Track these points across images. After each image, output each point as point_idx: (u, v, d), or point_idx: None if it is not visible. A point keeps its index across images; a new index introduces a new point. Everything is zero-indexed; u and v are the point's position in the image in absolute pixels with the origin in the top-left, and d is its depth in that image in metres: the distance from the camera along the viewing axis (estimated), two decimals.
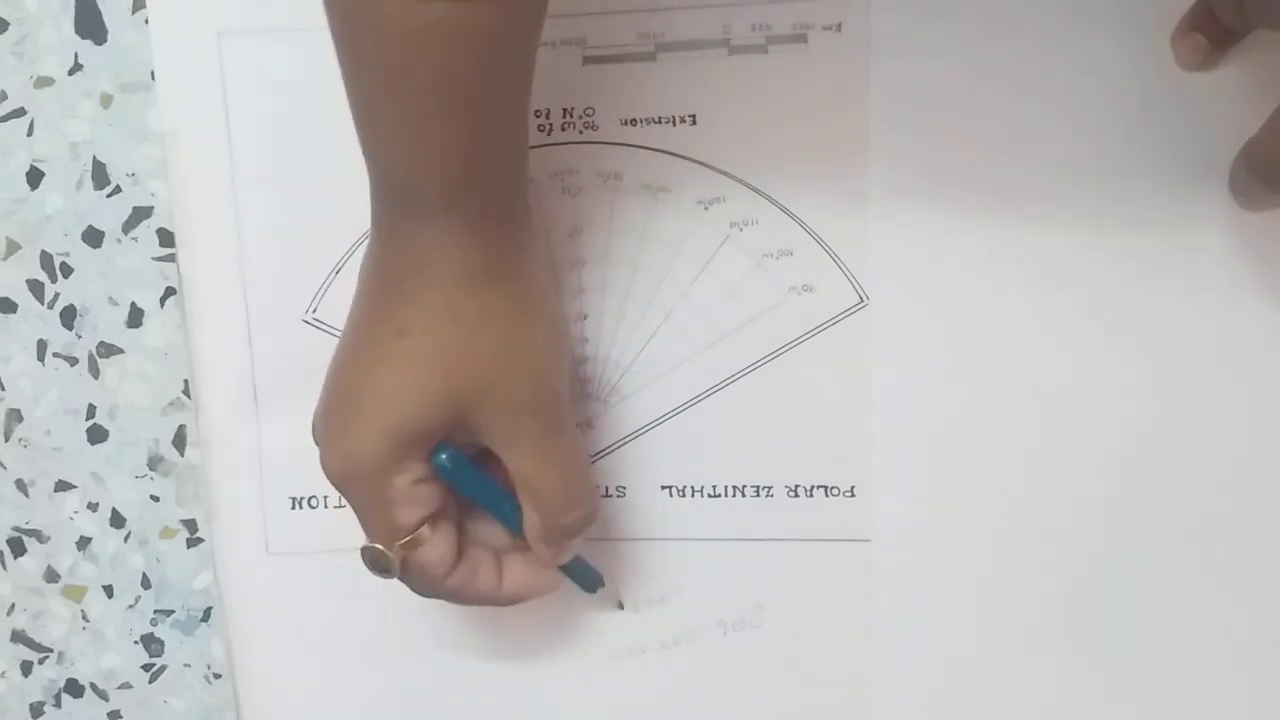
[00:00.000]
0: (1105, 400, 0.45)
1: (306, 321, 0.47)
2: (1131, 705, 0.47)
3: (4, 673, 0.51)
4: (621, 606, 0.48)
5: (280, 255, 0.47)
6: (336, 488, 0.40)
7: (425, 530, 0.40)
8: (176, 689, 0.51)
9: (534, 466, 0.40)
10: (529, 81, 0.37)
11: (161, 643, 0.50)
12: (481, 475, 0.41)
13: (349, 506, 0.40)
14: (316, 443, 0.40)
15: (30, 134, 0.47)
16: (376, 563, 0.40)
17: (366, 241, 0.40)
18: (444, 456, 0.39)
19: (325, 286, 0.47)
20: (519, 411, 0.39)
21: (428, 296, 0.38)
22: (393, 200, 0.38)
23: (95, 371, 0.49)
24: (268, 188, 0.46)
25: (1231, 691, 0.47)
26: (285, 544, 0.48)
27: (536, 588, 0.43)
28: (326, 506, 0.48)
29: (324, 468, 0.40)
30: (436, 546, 0.40)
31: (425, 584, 0.41)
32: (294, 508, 0.48)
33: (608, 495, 0.47)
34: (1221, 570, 0.46)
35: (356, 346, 0.39)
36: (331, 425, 0.40)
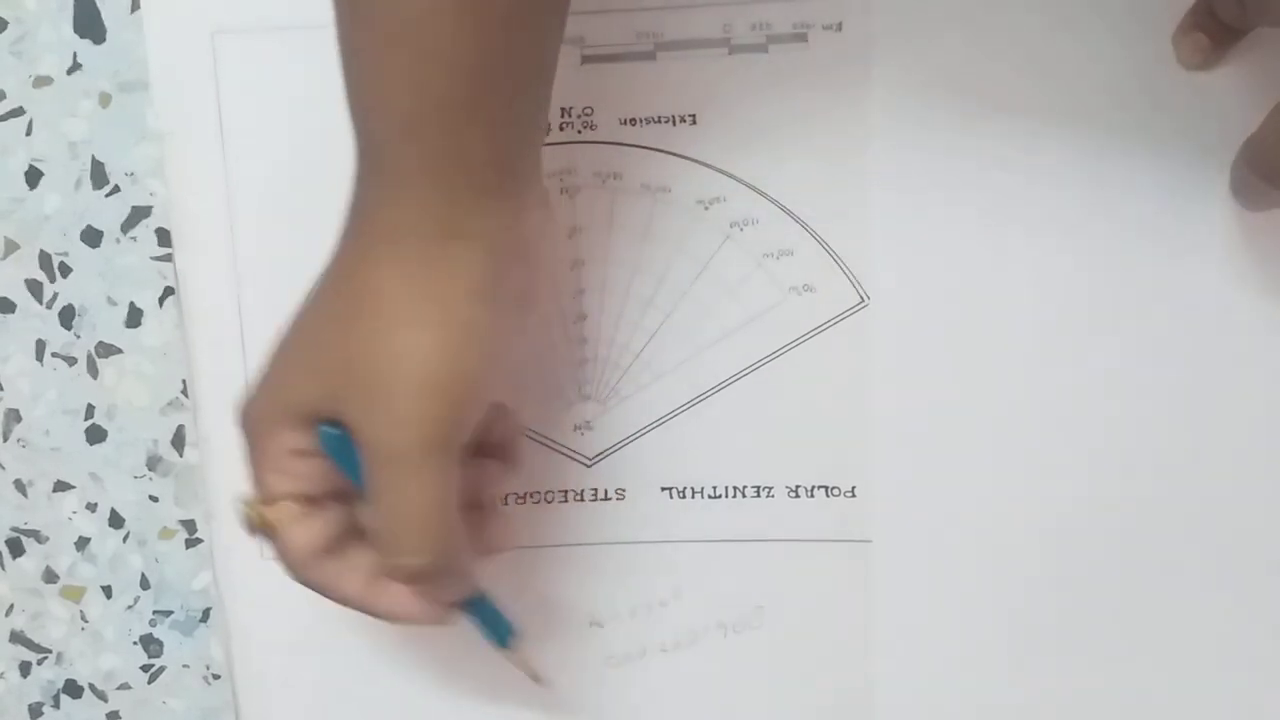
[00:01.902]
0: (1105, 400, 0.45)
1: None
2: (1132, 705, 0.47)
3: (2, 674, 0.51)
4: (538, 680, 0.44)
5: (274, 256, 0.46)
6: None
7: (291, 505, 0.37)
8: (175, 690, 0.51)
9: (374, 488, 0.35)
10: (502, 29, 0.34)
11: (160, 643, 0.50)
12: (356, 465, 0.36)
13: None
14: None
15: (29, 133, 0.47)
16: (240, 516, 0.39)
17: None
18: (328, 428, 0.36)
19: None
20: (379, 419, 0.34)
21: (347, 261, 0.36)
22: (360, 148, 0.36)
23: (94, 371, 0.49)
24: (262, 187, 0.46)
25: (1232, 691, 0.47)
26: None
27: (415, 615, 0.39)
28: None
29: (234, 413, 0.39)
30: (303, 529, 0.38)
31: (289, 564, 0.38)
32: None
33: (607, 498, 0.47)
34: (1223, 570, 0.46)
35: (299, 301, 0.38)
36: (255, 373, 0.38)
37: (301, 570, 0.39)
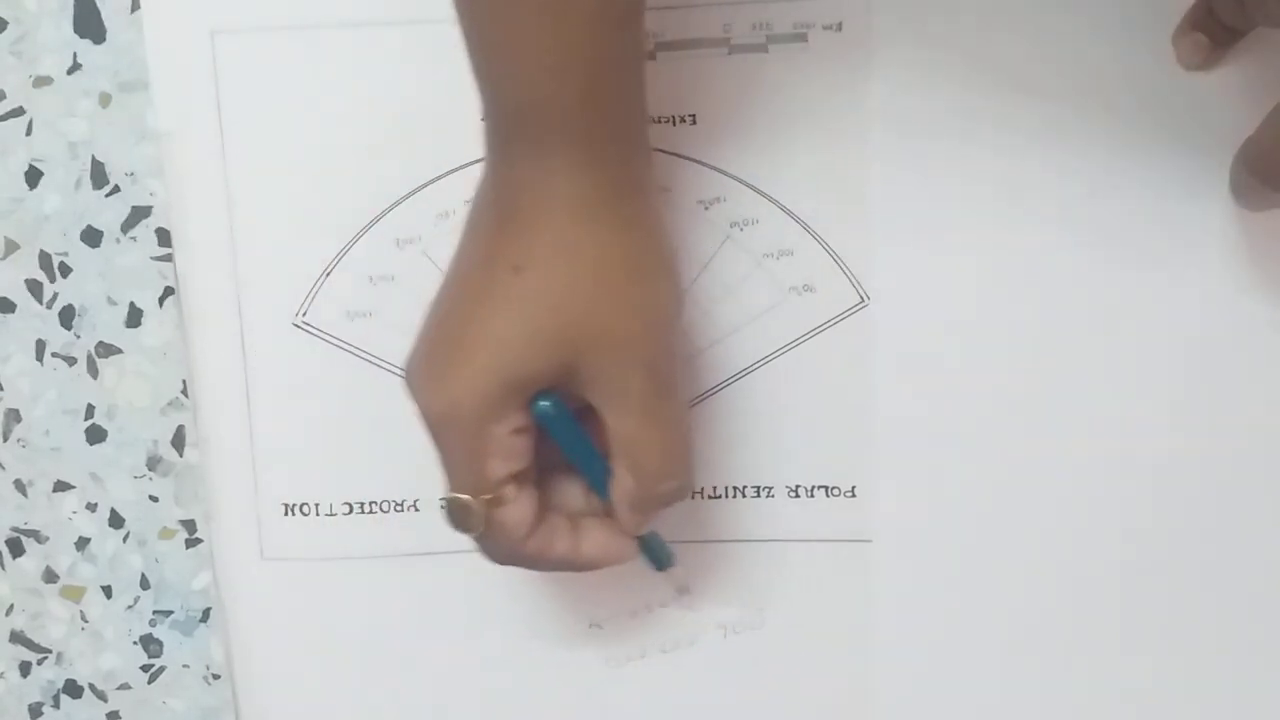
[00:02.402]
0: (1105, 400, 0.45)
1: (296, 325, 0.47)
2: (1132, 705, 0.47)
3: (3, 673, 0.51)
4: (688, 591, 0.47)
5: (273, 257, 0.47)
6: (431, 432, 0.38)
7: (511, 488, 0.38)
8: (175, 690, 0.51)
9: (639, 427, 0.38)
10: (642, 4, 0.36)
11: (160, 643, 0.50)
12: (579, 429, 0.39)
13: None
14: (411, 388, 0.38)
15: (29, 133, 0.47)
16: (459, 516, 0.38)
17: (478, 179, 0.38)
18: (547, 404, 0.37)
19: (315, 290, 0.46)
20: (632, 366, 0.37)
21: (545, 230, 0.36)
22: (507, 127, 0.36)
23: (94, 371, 0.49)
24: (260, 188, 0.46)
25: (1233, 691, 0.47)
26: (279, 550, 0.48)
27: (614, 555, 0.41)
28: (318, 514, 0.48)
29: (423, 410, 0.37)
30: (520, 506, 0.38)
31: (504, 546, 0.39)
32: (287, 514, 0.48)
33: None
34: (1222, 570, 0.46)
35: (466, 283, 0.38)
36: (434, 365, 0.37)
37: (518, 548, 0.39)
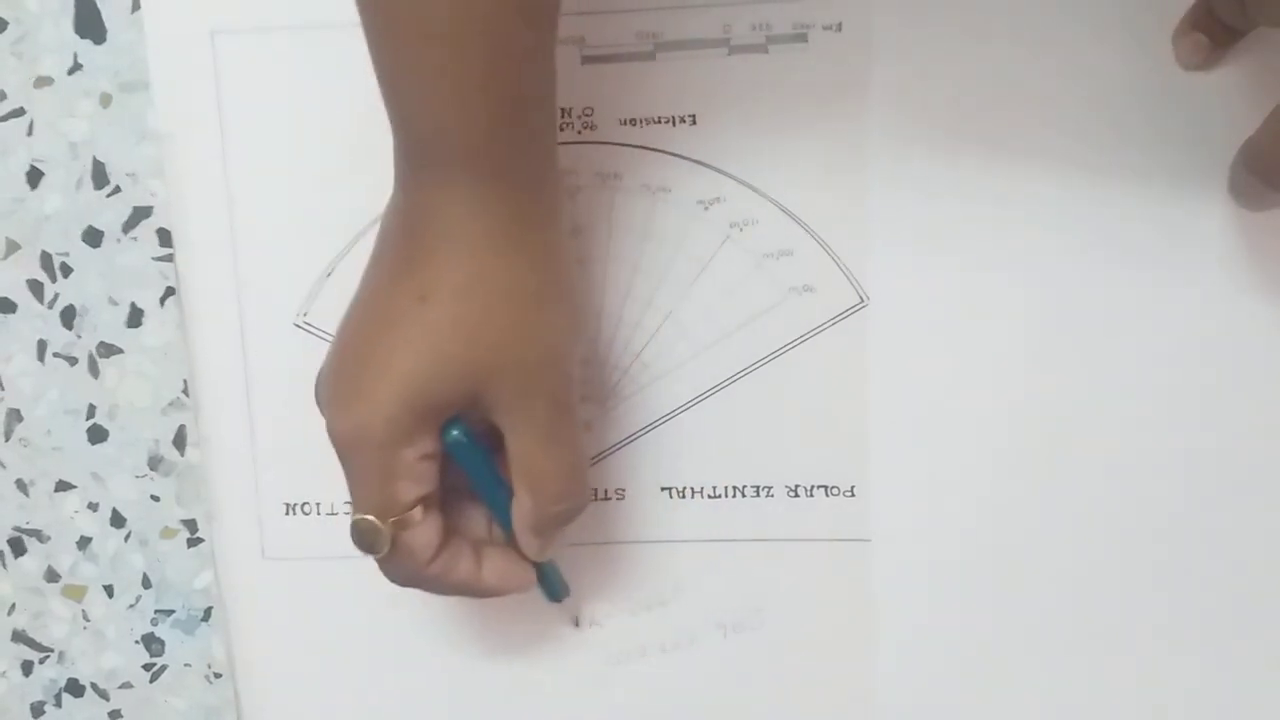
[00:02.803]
0: (1104, 400, 0.45)
1: (298, 325, 0.47)
2: (1132, 704, 0.47)
3: (4, 672, 0.51)
4: (577, 624, 0.48)
5: (273, 257, 0.47)
6: (339, 453, 0.38)
7: (417, 511, 0.38)
8: (177, 688, 0.51)
9: (540, 451, 0.38)
10: (553, 32, 0.36)
11: (162, 642, 0.51)
12: (487, 459, 0.39)
13: (345, 491, 0.38)
14: (320, 405, 0.39)
15: (30, 134, 0.47)
16: (366, 537, 0.38)
17: (388, 200, 0.38)
18: (457, 432, 0.38)
19: (316, 290, 0.47)
20: (535, 393, 0.38)
21: (450, 260, 0.36)
22: (416, 157, 0.37)
23: (95, 371, 0.49)
24: (261, 188, 0.46)
25: (1233, 691, 0.47)
26: (281, 549, 0.48)
27: (513, 582, 0.42)
28: (320, 513, 0.48)
29: (331, 432, 0.38)
30: (426, 530, 0.39)
31: (407, 568, 0.40)
32: (288, 513, 0.48)
33: (607, 498, 0.47)
34: (1223, 569, 0.46)
35: (373, 308, 0.38)
36: (342, 389, 0.38)
37: (420, 571, 0.40)
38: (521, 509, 0.40)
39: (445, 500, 0.40)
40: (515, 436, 0.38)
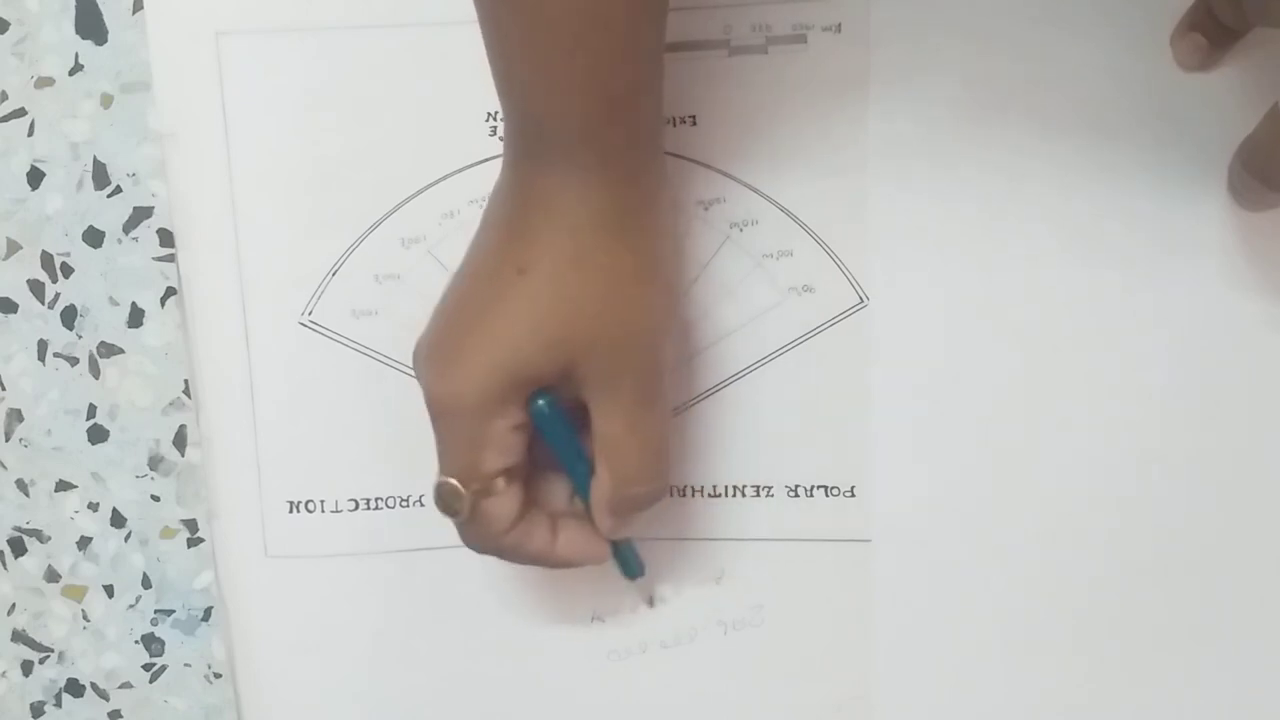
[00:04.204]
0: (1104, 400, 0.45)
1: (303, 324, 0.47)
2: (1132, 705, 0.47)
3: (4, 672, 0.51)
4: (652, 604, 0.48)
5: (277, 257, 0.47)
6: (432, 415, 0.39)
7: (500, 481, 0.39)
8: (177, 689, 0.51)
9: (622, 430, 0.39)
10: (664, 19, 0.37)
11: (162, 642, 0.50)
12: (571, 431, 0.40)
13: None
14: (418, 370, 0.40)
15: (31, 134, 0.47)
16: (447, 500, 0.39)
17: (495, 178, 0.39)
18: (542, 403, 0.39)
19: (321, 289, 0.47)
20: (621, 372, 0.38)
21: (553, 238, 0.37)
22: (527, 137, 0.37)
23: (96, 371, 0.49)
24: (265, 189, 0.46)
25: (1233, 690, 0.47)
26: (283, 548, 0.48)
27: (588, 555, 0.43)
28: (324, 511, 0.48)
29: (427, 396, 0.39)
30: (506, 500, 0.40)
31: (484, 535, 0.41)
32: (291, 511, 0.48)
33: None
34: (1223, 569, 0.46)
35: (475, 281, 0.39)
36: (441, 355, 0.39)
37: (497, 539, 0.41)
38: (600, 487, 0.40)
39: (529, 472, 0.41)
40: (601, 413, 0.39)
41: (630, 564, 0.46)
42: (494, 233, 0.39)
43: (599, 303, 0.38)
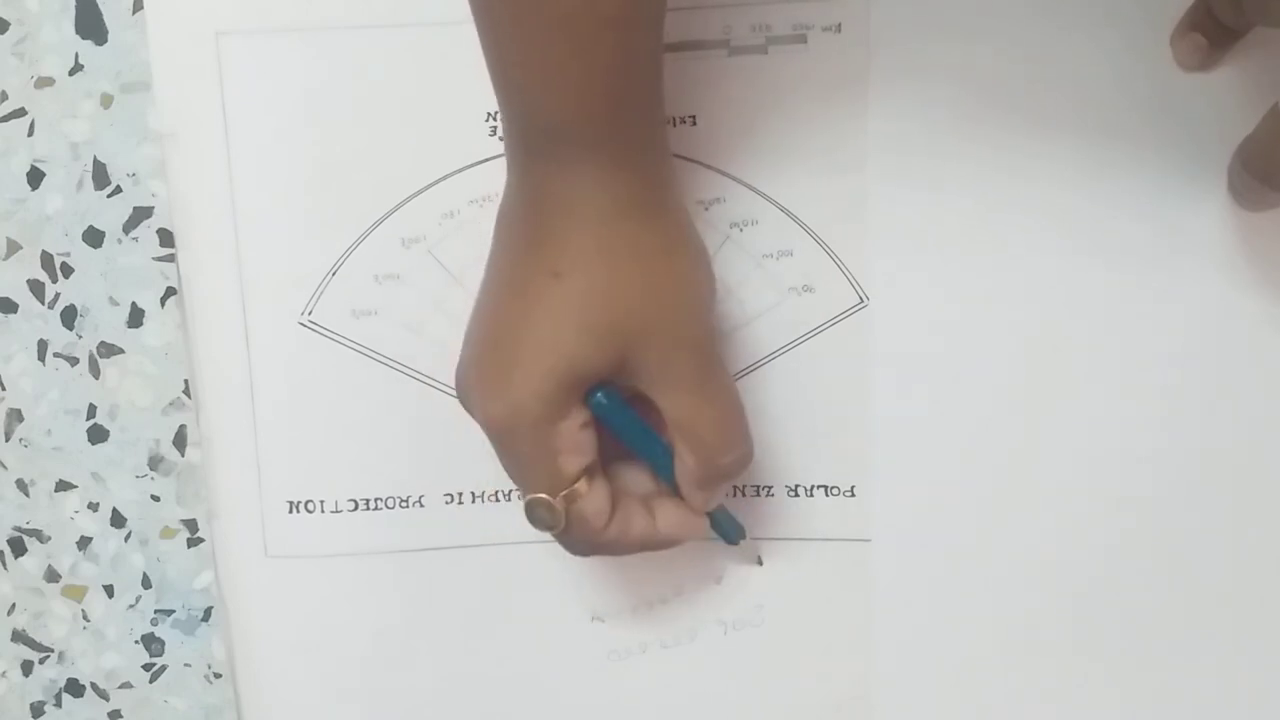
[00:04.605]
0: (1104, 400, 0.45)
1: (303, 324, 0.47)
2: (1132, 705, 0.47)
3: (4, 672, 0.51)
4: (761, 562, 0.48)
5: (277, 257, 0.47)
6: (495, 439, 0.39)
7: (583, 483, 0.39)
8: (177, 689, 0.51)
9: (691, 406, 0.39)
10: (663, 21, 0.37)
11: (162, 642, 0.51)
12: (636, 417, 0.40)
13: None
14: (464, 398, 0.40)
15: (31, 134, 0.47)
16: (542, 516, 0.39)
17: (503, 188, 0.39)
18: (600, 395, 0.39)
19: (321, 289, 0.47)
20: (676, 349, 0.38)
21: (578, 235, 0.37)
22: (535, 141, 0.37)
23: (96, 371, 0.49)
24: (265, 189, 0.46)
25: (1233, 690, 0.47)
26: (283, 548, 0.48)
27: (689, 530, 0.42)
28: (324, 511, 0.48)
29: (484, 420, 0.39)
30: (595, 497, 0.40)
31: (585, 537, 0.40)
32: (291, 511, 0.48)
33: None
34: (1223, 569, 0.46)
35: (508, 293, 0.39)
36: (488, 375, 0.39)
37: (599, 537, 0.40)
38: (684, 467, 0.40)
39: (606, 464, 0.41)
40: (666, 396, 0.39)
41: (730, 530, 0.45)
42: (516, 242, 0.39)
43: (638, 287, 0.38)
